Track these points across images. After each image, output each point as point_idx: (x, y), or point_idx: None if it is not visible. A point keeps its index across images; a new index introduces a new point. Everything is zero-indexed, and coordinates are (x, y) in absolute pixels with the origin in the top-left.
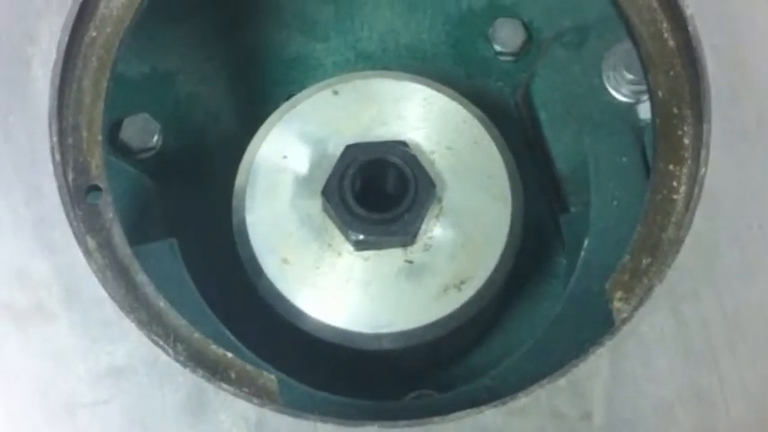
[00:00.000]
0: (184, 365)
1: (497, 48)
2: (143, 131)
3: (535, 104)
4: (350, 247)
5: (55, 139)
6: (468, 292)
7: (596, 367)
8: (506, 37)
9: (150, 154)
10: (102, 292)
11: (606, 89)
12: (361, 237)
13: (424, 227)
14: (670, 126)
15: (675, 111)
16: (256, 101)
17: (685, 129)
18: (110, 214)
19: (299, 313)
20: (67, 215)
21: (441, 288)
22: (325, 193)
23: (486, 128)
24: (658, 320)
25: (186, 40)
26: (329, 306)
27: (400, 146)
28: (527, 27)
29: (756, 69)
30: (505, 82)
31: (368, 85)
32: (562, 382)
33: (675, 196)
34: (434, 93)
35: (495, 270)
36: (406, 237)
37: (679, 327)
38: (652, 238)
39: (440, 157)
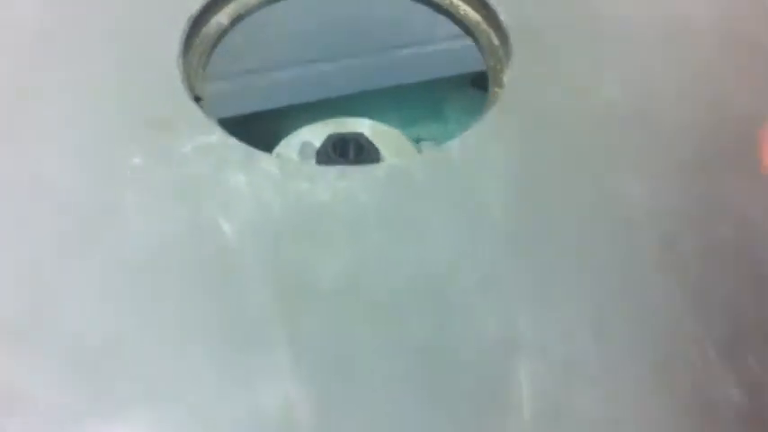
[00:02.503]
0: (241, 142)
1: None
2: None
3: None
4: None
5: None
6: None
7: (452, 146)
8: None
9: None
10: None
11: None
12: None
13: None
14: (495, 72)
15: (498, 67)
16: None
17: (503, 70)
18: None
19: None
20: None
21: None
22: (318, 156)
23: (407, 140)
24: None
25: None
26: None
27: (361, 135)
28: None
29: (545, 35)
30: None
31: (347, 121)
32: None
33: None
34: (385, 127)
35: None
36: None
37: (509, 122)
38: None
39: (381, 148)
